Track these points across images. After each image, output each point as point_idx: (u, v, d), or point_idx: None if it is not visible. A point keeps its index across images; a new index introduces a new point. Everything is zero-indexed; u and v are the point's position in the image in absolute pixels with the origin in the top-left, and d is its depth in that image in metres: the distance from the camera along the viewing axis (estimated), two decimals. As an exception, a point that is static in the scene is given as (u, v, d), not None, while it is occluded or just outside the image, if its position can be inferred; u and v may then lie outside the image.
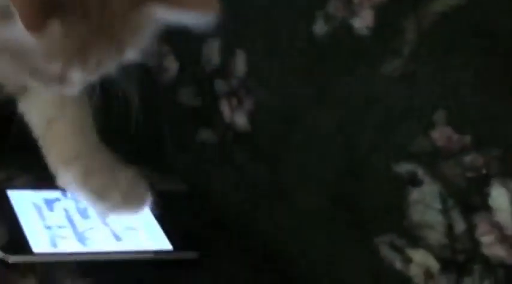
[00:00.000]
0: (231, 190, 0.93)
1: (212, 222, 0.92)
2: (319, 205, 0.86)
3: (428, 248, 0.81)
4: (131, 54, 0.72)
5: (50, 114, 0.84)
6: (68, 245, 0.79)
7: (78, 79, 0.72)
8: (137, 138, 0.96)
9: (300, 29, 0.87)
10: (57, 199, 0.86)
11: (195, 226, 0.88)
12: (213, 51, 0.91)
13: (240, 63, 0.90)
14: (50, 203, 0.84)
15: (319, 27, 0.87)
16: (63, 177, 0.82)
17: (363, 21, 0.86)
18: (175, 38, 0.93)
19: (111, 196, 0.81)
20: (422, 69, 0.81)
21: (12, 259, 0.75)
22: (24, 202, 0.83)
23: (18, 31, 0.65)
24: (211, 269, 0.83)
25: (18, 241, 0.78)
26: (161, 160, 0.96)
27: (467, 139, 0.77)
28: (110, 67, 0.72)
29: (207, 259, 0.84)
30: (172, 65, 0.95)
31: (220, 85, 0.92)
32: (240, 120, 0.89)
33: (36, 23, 0.65)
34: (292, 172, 0.88)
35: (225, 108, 0.93)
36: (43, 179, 0.85)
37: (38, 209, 0.83)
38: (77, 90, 0.73)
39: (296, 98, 0.87)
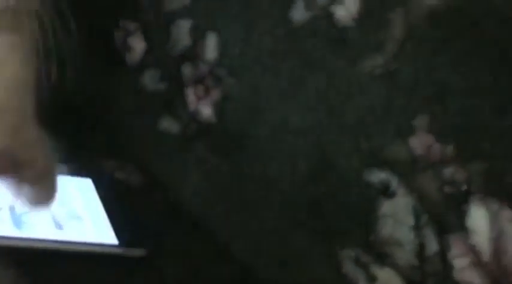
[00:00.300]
0: (188, 184, 0.89)
1: (166, 216, 0.88)
2: (282, 208, 0.83)
3: (396, 267, 0.78)
4: None
5: None
6: (2, 228, 0.75)
7: None
8: (93, 121, 0.94)
9: (277, 14, 0.84)
10: None
11: (147, 220, 0.84)
12: (183, 32, 0.88)
13: (211, 48, 0.87)
14: None
15: (299, 13, 0.84)
16: None
17: (346, 10, 0.82)
18: (144, 16, 0.91)
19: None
20: (406, 68, 0.77)
21: None
22: None
23: None
24: (158, 268, 0.79)
25: None
26: (118, 147, 0.93)
27: (450, 149, 0.73)
28: None
29: (155, 258, 0.82)
30: (138, 45, 0.92)
31: (187, 70, 0.88)
32: (205, 110, 0.87)
33: None
34: (255, 171, 0.84)
35: (190, 96, 0.90)
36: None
37: None
38: None
39: (267, 90, 0.84)
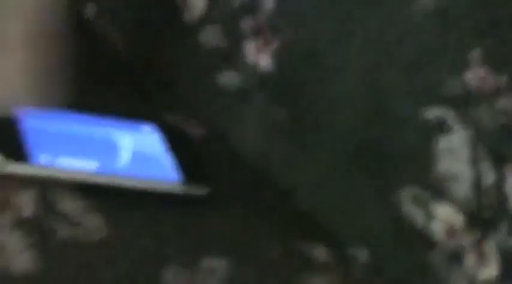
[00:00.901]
0: (249, 134, 0.92)
1: (228, 163, 0.90)
2: (340, 151, 0.85)
3: (453, 202, 0.79)
4: None
5: None
6: (73, 164, 0.79)
7: None
8: (154, 77, 0.97)
9: None
10: (67, 118, 0.86)
11: (210, 165, 0.86)
12: None
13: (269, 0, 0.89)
14: (59, 119, 0.85)
15: None
16: None
17: None
18: None
19: None
20: (458, 2, 0.77)
21: (11, 168, 0.76)
22: (33, 117, 0.83)
23: None
24: (221, 207, 0.82)
25: (18, 151, 0.79)
26: (179, 102, 0.95)
27: (503, 80, 0.75)
28: None
29: (221, 199, 0.84)
30: (198, 2, 0.94)
31: (246, 23, 0.90)
32: (264, 61, 0.88)
33: None
34: (314, 116, 0.86)
35: (249, 48, 0.90)
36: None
37: (48, 125, 0.83)
38: None
39: (324, 35, 0.85)
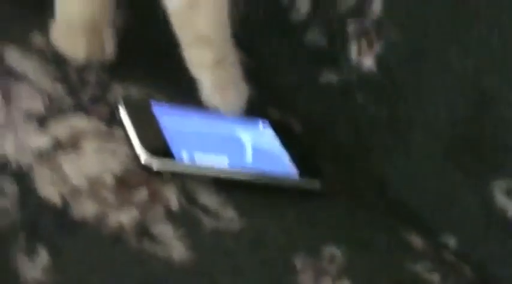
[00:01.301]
0: (350, 131, 0.95)
1: (331, 157, 0.94)
2: (437, 146, 0.88)
3: None
4: None
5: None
6: (207, 159, 0.83)
7: None
8: (261, 75, 1.00)
9: None
10: (200, 115, 0.90)
11: (316, 159, 0.91)
12: None
13: (377, 3, 0.91)
14: (190, 118, 0.89)
15: None
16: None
17: None
18: None
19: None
20: None
21: (156, 165, 0.80)
22: (169, 115, 0.87)
23: None
24: (333, 201, 0.86)
25: (162, 150, 0.82)
26: (282, 99, 0.99)
27: None
28: None
29: (329, 191, 0.87)
30: (304, 5, 0.96)
31: (351, 26, 0.93)
32: (367, 61, 0.91)
33: None
34: (413, 113, 0.89)
35: (353, 49, 0.93)
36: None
37: (181, 122, 0.87)
38: None
39: (430, 38, 0.88)
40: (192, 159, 0.82)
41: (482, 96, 0.86)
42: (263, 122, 0.92)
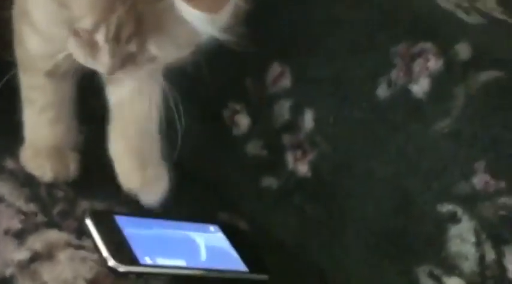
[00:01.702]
0: (289, 229, 0.99)
1: (275, 253, 0.97)
2: (368, 239, 0.93)
3: (462, 276, 0.87)
4: (155, 50, 0.78)
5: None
6: (166, 260, 0.86)
7: (106, 50, 0.78)
8: (207, 182, 1.05)
9: (365, 91, 0.93)
10: (154, 224, 0.92)
11: (262, 255, 0.94)
12: (283, 110, 0.98)
13: (309, 120, 0.96)
14: (149, 225, 0.91)
15: (382, 91, 0.93)
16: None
17: (420, 87, 0.91)
18: (248, 98, 1.01)
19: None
20: (468, 127, 0.87)
21: (122, 268, 0.82)
22: (130, 224, 0.89)
23: None
24: None
25: (127, 254, 0.85)
26: (228, 202, 1.02)
27: (502, 184, 0.85)
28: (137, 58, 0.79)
29: (275, 281, 0.92)
30: (243, 121, 1.01)
31: (287, 139, 0.98)
32: (302, 168, 0.97)
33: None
34: (346, 213, 0.94)
35: (289, 158, 0.98)
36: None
37: (142, 229, 0.90)
38: (106, 67, 0.79)
39: (355, 150, 0.94)
40: (153, 260, 0.85)
41: (404, 196, 0.91)
42: (214, 225, 0.95)
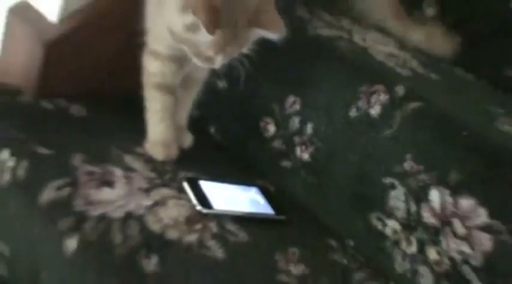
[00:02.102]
0: (298, 191, 0.97)
1: (289, 205, 0.96)
2: (342, 198, 0.91)
3: (396, 219, 0.85)
4: (244, 50, 0.83)
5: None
6: (230, 207, 0.88)
7: (220, 60, 0.83)
8: (247, 162, 1.02)
9: (343, 113, 0.92)
10: (221, 185, 0.92)
11: (282, 205, 0.94)
12: (295, 122, 0.95)
13: (309, 129, 0.95)
14: (217, 186, 0.91)
15: (353, 113, 0.92)
16: None
17: (375, 111, 0.90)
18: (275, 115, 0.98)
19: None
20: (402, 134, 0.87)
21: (204, 211, 0.86)
22: (207, 186, 0.90)
23: (202, 35, 0.79)
24: (295, 228, 0.92)
25: (206, 203, 0.87)
26: (262, 174, 1.00)
27: (421, 167, 0.84)
28: (235, 55, 0.83)
29: (291, 222, 0.92)
30: (271, 128, 0.98)
31: (297, 139, 0.96)
32: (305, 156, 0.96)
33: (212, 31, 0.79)
34: (330, 182, 0.92)
35: (298, 150, 0.96)
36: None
37: (213, 188, 0.90)
38: (218, 66, 0.83)
39: (337, 147, 0.93)
40: (221, 207, 0.88)
41: (364, 173, 0.89)
42: (254, 187, 0.96)
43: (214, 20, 0.78)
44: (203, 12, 0.78)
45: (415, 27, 1.06)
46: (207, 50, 0.82)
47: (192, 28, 0.81)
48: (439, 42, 1.05)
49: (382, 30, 1.06)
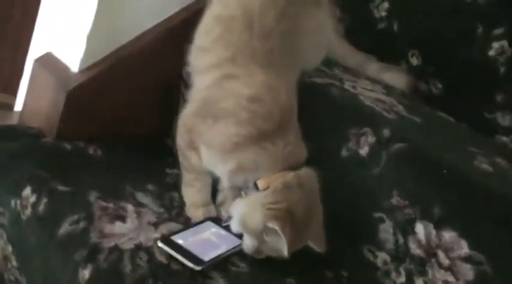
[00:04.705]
0: None
1: None
2: (332, 230, 0.85)
3: (386, 251, 0.84)
4: None
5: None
6: (213, 251, 0.83)
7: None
8: None
9: (336, 153, 0.91)
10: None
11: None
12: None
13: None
14: (190, 234, 0.85)
15: (344, 153, 0.92)
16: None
17: (364, 151, 0.90)
18: None
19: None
20: (388, 172, 0.87)
21: (200, 268, 0.80)
22: (183, 240, 0.83)
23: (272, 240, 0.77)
24: (292, 258, 0.83)
25: (197, 260, 0.80)
26: None
27: (406, 203, 0.84)
28: None
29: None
30: None
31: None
32: None
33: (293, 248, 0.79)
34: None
35: None
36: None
37: (191, 241, 0.83)
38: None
39: (334, 184, 0.89)
40: (210, 256, 0.81)
41: (356, 207, 0.88)
42: (209, 222, 0.89)
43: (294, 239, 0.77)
44: (289, 233, 0.76)
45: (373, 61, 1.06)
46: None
47: (262, 232, 0.79)
48: (392, 74, 1.04)
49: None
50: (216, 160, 0.85)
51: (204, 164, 0.87)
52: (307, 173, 0.83)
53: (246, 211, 0.82)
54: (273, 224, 0.78)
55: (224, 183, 0.86)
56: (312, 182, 0.83)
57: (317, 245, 0.83)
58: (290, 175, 0.81)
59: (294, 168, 0.83)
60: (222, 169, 0.84)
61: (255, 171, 0.82)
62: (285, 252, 0.77)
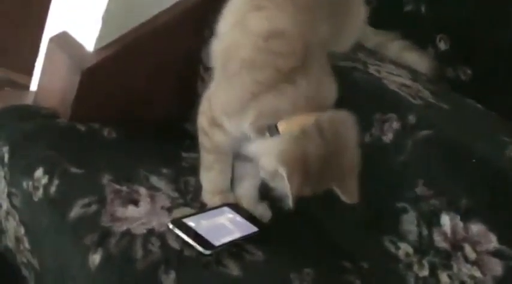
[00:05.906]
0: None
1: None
2: (357, 220, 0.87)
3: (409, 242, 0.82)
4: None
5: None
6: (225, 237, 0.81)
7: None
8: None
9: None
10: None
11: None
12: None
13: None
14: (204, 218, 0.82)
15: (367, 139, 0.88)
16: None
17: (387, 138, 0.87)
18: None
19: None
20: (413, 160, 0.84)
21: (209, 252, 0.78)
22: (195, 223, 0.81)
23: (280, 184, 0.73)
24: (309, 248, 0.88)
25: (207, 243, 0.78)
26: None
27: (432, 192, 0.82)
28: None
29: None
30: None
31: None
32: None
33: (295, 199, 0.73)
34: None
35: None
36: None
37: (203, 225, 0.81)
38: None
39: None
40: (221, 241, 0.79)
41: (379, 197, 0.86)
42: (226, 207, 0.86)
43: (302, 188, 0.73)
44: (295, 183, 0.72)
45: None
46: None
47: (274, 175, 0.75)
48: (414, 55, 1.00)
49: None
50: (237, 121, 0.79)
51: (233, 133, 0.81)
52: (333, 118, 0.75)
53: (262, 152, 0.77)
54: (280, 171, 0.73)
55: (253, 150, 0.78)
56: (341, 127, 0.75)
57: (346, 196, 0.76)
58: (310, 120, 0.74)
59: (321, 108, 0.76)
60: (246, 127, 0.77)
61: (276, 117, 0.76)
62: (290, 202, 0.73)
